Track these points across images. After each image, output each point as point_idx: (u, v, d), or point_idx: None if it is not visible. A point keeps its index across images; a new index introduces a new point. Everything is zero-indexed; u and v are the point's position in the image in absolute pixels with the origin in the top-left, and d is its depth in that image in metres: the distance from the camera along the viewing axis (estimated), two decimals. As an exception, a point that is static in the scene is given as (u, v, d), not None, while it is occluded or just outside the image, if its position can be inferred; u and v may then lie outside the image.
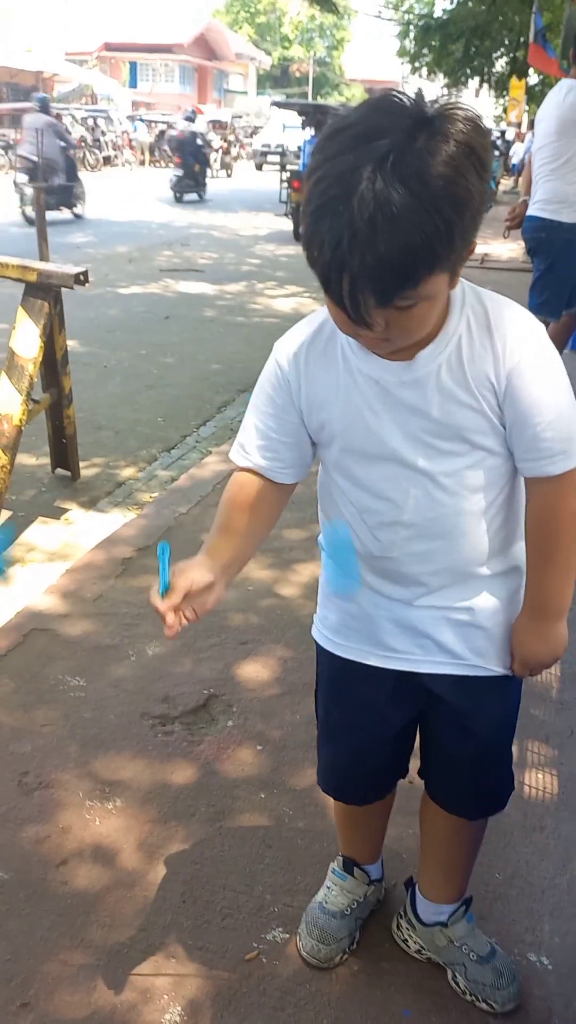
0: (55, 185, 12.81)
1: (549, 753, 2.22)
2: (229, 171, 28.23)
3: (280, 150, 28.00)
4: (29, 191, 12.03)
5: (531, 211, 4.42)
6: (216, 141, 26.33)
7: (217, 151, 26.01)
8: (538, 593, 1.33)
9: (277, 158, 26.06)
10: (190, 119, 19.14)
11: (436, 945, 1.61)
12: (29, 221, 12.04)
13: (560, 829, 1.99)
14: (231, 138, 31.13)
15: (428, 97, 1.01)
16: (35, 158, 11.67)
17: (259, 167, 31.00)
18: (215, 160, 25.48)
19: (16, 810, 1.98)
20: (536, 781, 2.11)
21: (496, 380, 1.17)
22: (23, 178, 12.67)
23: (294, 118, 22.13)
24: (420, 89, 1.07)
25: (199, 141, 18.29)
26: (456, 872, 1.62)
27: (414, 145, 0.95)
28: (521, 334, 1.18)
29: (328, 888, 1.71)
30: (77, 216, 14.09)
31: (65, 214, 13.84)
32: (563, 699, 2.43)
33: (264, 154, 30.88)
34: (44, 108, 13.26)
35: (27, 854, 1.86)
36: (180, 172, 18.21)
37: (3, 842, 1.89)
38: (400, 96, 1.01)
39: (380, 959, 1.66)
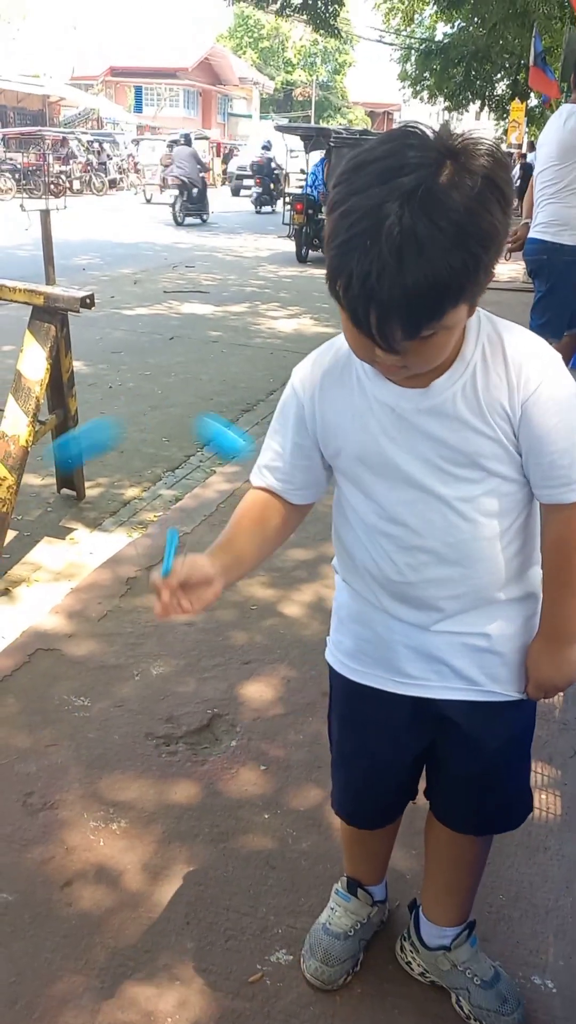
0: (194, 196, 18.17)
1: (552, 773, 2.22)
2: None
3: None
4: (177, 204, 17.99)
5: (533, 234, 4.47)
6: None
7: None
8: (554, 618, 1.34)
9: (254, 182, 26.00)
10: (187, 142, 19.73)
11: (440, 969, 1.61)
12: (178, 222, 17.95)
13: (564, 850, 1.98)
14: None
15: (449, 129, 1.02)
16: (184, 179, 17.67)
17: (235, 192, 29.03)
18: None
19: (21, 831, 1.98)
20: (539, 801, 2.11)
21: (511, 409, 1.19)
22: (174, 192, 18.18)
23: (274, 138, 23.16)
24: (447, 122, 1.09)
25: (273, 165, 22.20)
26: (460, 894, 1.62)
27: (439, 180, 0.96)
28: (536, 364, 1.19)
29: (332, 909, 1.71)
30: (204, 221, 18.88)
31: (195, 220, 18.66)
32: (566, 719, 2.44)
33: (240, 178, 28.87)
34: (188, 142, 19.18)
35: (32, 875, 1.86)
36: (260, 190, 22.26)
37: (8, 863, 1.89)
38: (423, 129, 1.02)
39: (384, 981, 1.66)
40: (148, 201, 23.58)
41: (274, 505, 1.36)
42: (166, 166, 19.77)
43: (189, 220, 18.43)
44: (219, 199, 26.42)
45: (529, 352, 1.20)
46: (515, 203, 1.05)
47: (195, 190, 18.18)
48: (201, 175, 18.27)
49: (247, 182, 27.42)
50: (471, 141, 1.00)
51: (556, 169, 4.26)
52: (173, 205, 18.16)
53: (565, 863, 1.95)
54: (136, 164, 29.05)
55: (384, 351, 1.06)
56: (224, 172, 34.18)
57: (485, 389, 1.19)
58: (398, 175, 0.97)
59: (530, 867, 1.94)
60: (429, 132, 1.01)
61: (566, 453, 1.20)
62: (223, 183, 33.49)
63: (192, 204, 18.22)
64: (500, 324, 1.22)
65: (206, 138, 28.28)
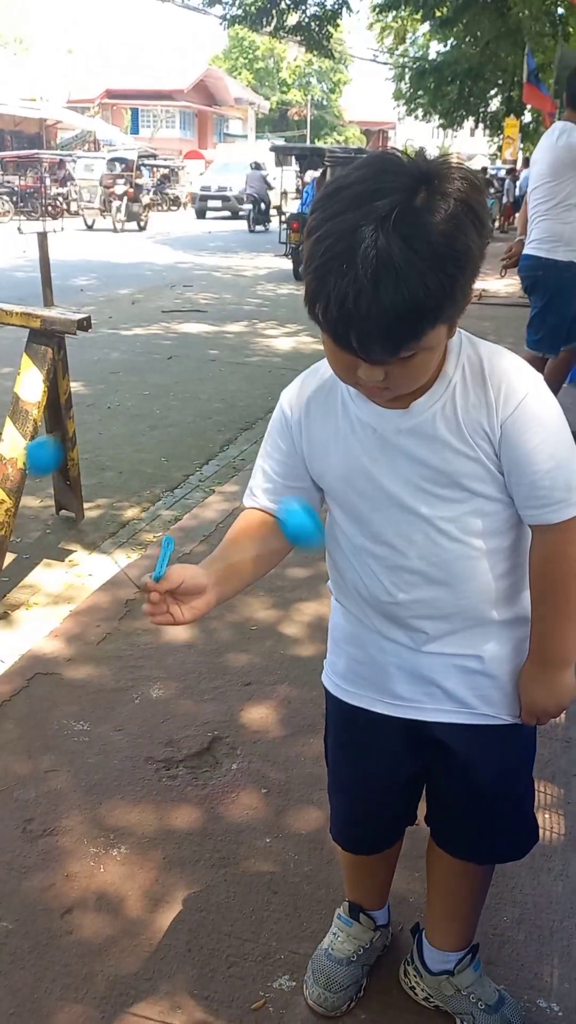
0: (262, 210, 22.96)
1: (555, 792, 2.21)
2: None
3: (224, 194, 26.67)
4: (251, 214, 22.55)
5: (528, 250, 4.51)
6: (120, 187, 22.21)
7: (122, 199, 21.95)
8: (543, 642, 1.33)
9: (220, 203, 26.09)
10: (257, 167, 22.80)
11: (443, 994, 1.59)
12: (250, 230, 22.55)
13: (568, 870, 1.97)
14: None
15: (424, 155, 1.04)
16: (256, 195, 22.81)
17: (200, 214, 27.22)
18: (118, 209, 21.81)
19: (21, 858, 1.97)
20: (542, 821, 2.09)
21: (491, 430, 1.19)
22: (248, 206, 23.14)
23: (241, 157, 24.17)
24: (423, 148, 1.11)
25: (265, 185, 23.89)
26: (462, 919, 1.60)
27: (414, 204, 0.98)
28: (516, 384, 1.19)
29: (334, 934, 1.69)
30: (266, 228, 22.74)
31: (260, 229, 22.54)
32: (569, 736, 2.42)
33: (205, 198, 27.28)
34: (258, 167, 23.52)
35: (32, 903, 1.85)
36: (253, 209, 23.47)
37: (8, 891, 1.88)
38: (398, 154, 1.04)
39: (388, 1007, 1.64)
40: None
41: (267, 525, 1.36)
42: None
43: (258, 228, 22.95)
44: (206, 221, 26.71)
45: (509, 373, 1.20)
46: (491, 225, 1.06)
47: (263, 204, 23.19)
48: (268, 192, 23.15)
49: (213, 203, 27.15)
50: (445, 166, 1.02)
51: (550, 186, 4.31)
52: (248, 216, 23.19)
53: (570, 884, 1.93)
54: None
55: (370, 364, 1.07)
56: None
57: (465, 410, 1.19)
58: (372, 199, 0.98)
59: (534, 888, 1.92)
60: (403, 158, 1.03)
61: (547, 474, 1.20)
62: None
63: (260, 215, 23.14)
64: (480, 345, 1.22)
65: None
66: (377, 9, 17.10)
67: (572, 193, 4.36)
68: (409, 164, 1.02)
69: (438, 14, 15.25)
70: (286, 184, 18.87)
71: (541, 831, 2.05)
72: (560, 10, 13.57)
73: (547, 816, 2.12)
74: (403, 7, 15.54)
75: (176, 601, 1.20)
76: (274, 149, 19.27)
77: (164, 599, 1.19)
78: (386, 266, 0.96)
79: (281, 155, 18.64)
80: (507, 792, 1.44)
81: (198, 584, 1.22)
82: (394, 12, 16.30)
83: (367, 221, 0.97)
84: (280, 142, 36.86)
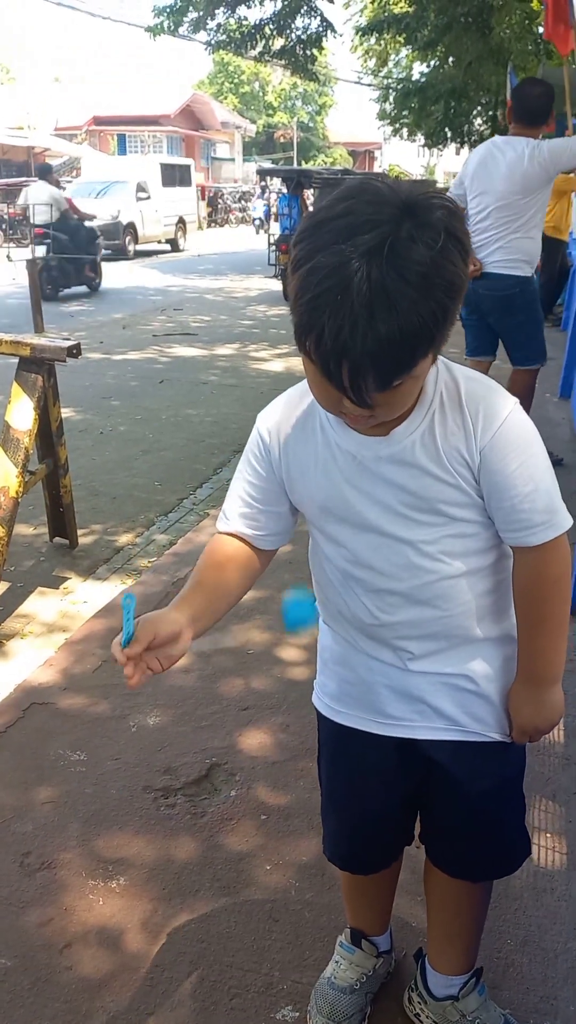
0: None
1: (555, 811, 2.19)
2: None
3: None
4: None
5: (496, 269, 4.35)
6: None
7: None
8: (530, 660, 1.33)
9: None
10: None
11: (448, 1020, 1.57)
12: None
13: (571, 890, 1.95)
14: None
15: (403, 184, 1.04)
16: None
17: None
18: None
19: (18, 892, 1.95)
20: (544, 840, 2.08)
21: (469, 456, 1.20)
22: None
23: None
24: (398, 176, 1.12)
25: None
26: (464, 941, 1.59)
27: (401, 234, 0.98)
28: (493, 409, 1.19)
29: (336, 962, 1.67)
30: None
31: None
32: (568, 754, 2.41)
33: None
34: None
35: (30, 938, 1.83)
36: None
37: (6, 927, 1.86)
38: (379, 183, 1.04)
39: (393, 1036, 1.62)
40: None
41: (240, 551, 1.36)
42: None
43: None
44: (216, 240, 26.79)
45: (486, 398, 1.20)
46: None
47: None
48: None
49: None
50: (425, 195, 1.02)
51: (520, 203, 4.19)
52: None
53: (574, 904, 1.92)
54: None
55: (356, 404, 1.06)
56: (209, 215, 34.60)
57: (443, 436, 1.19)
58: (359, 232, 0.98)
59: (537, 910, 1.90)
60: (383, 187, 1.03)
61: (527, 498, 1.20)
62: (208, 226, 33.88)
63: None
64: (456, 370, 1.23)
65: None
66: (360, 33, 17.27)
67: (540, 208, 4.34)
68: (390, 194, 1.01)
69: (421, 37, 15.41)
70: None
71: (543, 851, 2.05)
72: (541, 28, 13.75)
73: (548, 836, 2.10)
74: (386, 31, 15.71)
75: (151, 654, 1.21)
76: (261, 171, 19.43)
77: (140, 658, 1.19)
78: (380, 298, 0.96)
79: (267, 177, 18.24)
80: (499, 807, 1.44)
81: (171, 632, 1.22)
82: (376, 35, 16.46)
83: (357, 253, 0.97)
84: (267, 164, 37.19)
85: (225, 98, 56.38)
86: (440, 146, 21.85)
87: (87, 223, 13.89)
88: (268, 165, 34.67)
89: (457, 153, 24.82)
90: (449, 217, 1.01)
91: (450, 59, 16.50)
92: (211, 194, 35.92)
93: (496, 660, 1.35)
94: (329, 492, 1.27)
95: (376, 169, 56.61)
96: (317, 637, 1.48)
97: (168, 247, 22.90)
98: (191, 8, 14.05)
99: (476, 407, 1.19)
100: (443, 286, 1.00)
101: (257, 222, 22.61)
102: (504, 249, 4.32)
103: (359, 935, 1.67)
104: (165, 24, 14.04)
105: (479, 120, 19.61)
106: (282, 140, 60.11)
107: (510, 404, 1.21)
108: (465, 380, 1.21)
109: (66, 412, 3.81)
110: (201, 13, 14.25)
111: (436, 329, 1.02)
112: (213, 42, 15.29)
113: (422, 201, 1.01)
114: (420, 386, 1.14)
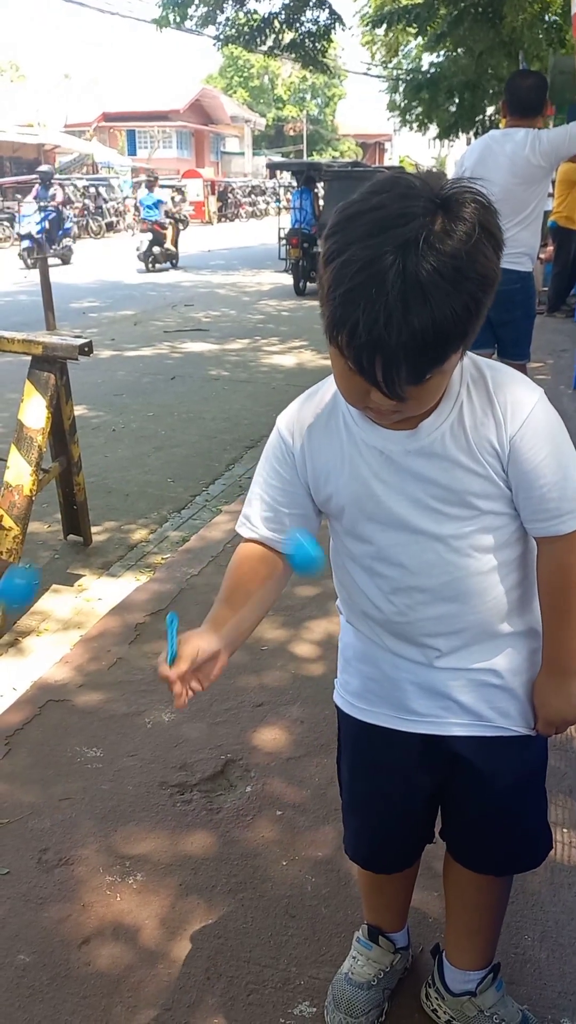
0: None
1: (573, 807, 2.19)
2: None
3: None
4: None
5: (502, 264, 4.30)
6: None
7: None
8: (556, 650, 1.34)
9: None
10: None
11: (466, 1015, 1.58)
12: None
13: (588, 885, 1.95)
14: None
15: (436, 178, 1.05)
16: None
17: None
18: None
19: (37, 889, 1.96)
20: (562, 836, 2.08)
21: (499, 446, 1.20)
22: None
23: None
24: (430, 170, 1.12)
25: None
26: (482, 936, 1.59)
27: (435, 229, 0.98)
28: (521, 399, 1.20)
29: (354, 958, 1.68)
30: None
31: None
32: (585, 749, 2.40)
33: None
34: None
35: (49, 935, 1.84)
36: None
37: (24, 923, 1.87)
38: (408, 178, 1.04)
39: (410, 1031, 1.63)
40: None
41: (267, 558, 1.35)
42: None
43: None
44: (218, 237, 26.79)
45: (513, 388, 1.21)
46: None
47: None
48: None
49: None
50: (457, 189, 1.02)
51: (523, 195, 4.11)
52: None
53: (590, 899, 1.91)
54: (132, 206, 28.81)
55: (386, 396, 1.06)
56: (219, 210, 34.57)
57: (473, 428, 1.20)
58: (394, 225, 0.98)
59: (555, 905, 1.90)
60: (416, 181, 1.03)
61: (555, 486, 1.21)
62: (219, 220, 33.84)
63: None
64: (481, 362, 1.23)
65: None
66: (369, 24, 17.13)
67: (541, 201, 4.28)
68: (423, 188, 1.02)
69: (431, 29, 15.27)
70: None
71: (561, 847, 2.04)
72: (553, 17, 13.61)
73: (565, 831, 2.10)
74: (397, 22, 15.59)
75: (192, 674, 1.23)
76: (270, 166, 19.39)
77: (185, 677, 1.21)
78: (414, 290, 0.97)
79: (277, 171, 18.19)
80: (523, 801, 1.44)
81: (211, 652, 1.24)
82: (385, 26, 16.33)
83: (392, 248, 0.97)
84: (277, 158, 37.10)
85: (234, 92, 56.26)
86: (451, 138, 21.71)
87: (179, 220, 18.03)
88: (278, 159, 34.51)
89: (467, 143, 24.66)
90: (482, 211, 1.02)
91: (459, 50, 16.38)
92: (221, 188, 35.85)
93: (522, 653, 1.35)
94: (357, 490, 1.27)
95: (386, 161, 56.40)
96: (330, 631, 1.48)
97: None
98: (197, 1, 13.95)
99: (505, 397, 1.19)
100: (476, 279, 1.01)
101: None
102: (507, 243, 4.24)
103: (376, 931, 1.67)
104: (171, 16, 13.96)
105: (491, 110, 19.46)
106: (292, 133, 59.96)
107: (536, 394, 1.22)
108: (491, 371, 1.22)
109: (78, 409, 3.82)
110: (210, 8, 14.17)
111: (468, 323, 1.02)
112: (222, 36, 15.21)
113: (455, 195, 1.01)
114: (448, 381, 1.14)
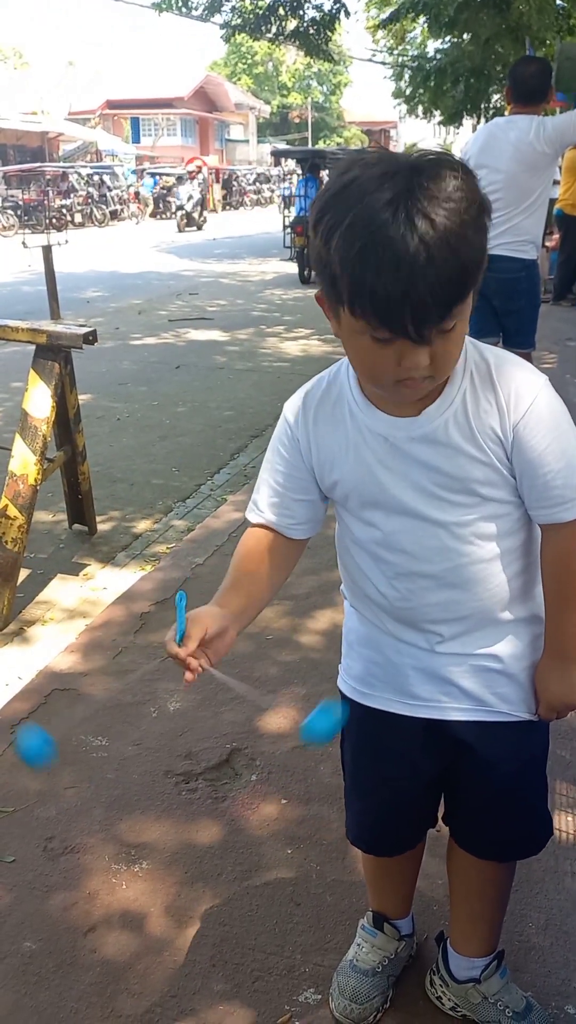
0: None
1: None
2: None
3: None
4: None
5: (504, 251, 4.20)
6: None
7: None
8: (558, 636, 1.34)
9: None
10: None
11: (470, 1002, 1.58)
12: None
13: (593, 874, 1.95)
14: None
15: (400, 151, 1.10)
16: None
17: None
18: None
19: (43, 877, 1.97)
20: (566, 824, 2.08)
21: (503, 433, 1.20)
22: None
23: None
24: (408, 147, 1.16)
25: None
26: (486, 923, 1.59)
27: (422, 180, 1.01)
28: (525, 387, 1.20)
29: (358, 945, 1.68)
30: None
31: None
32: (589, 738, 2.40)
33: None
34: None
35: (55, 922, 1.85)
36: None
37: (31, 911, 1.88)
38: (373, 151, 1.09)
39: (414, 1018, 1.63)
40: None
41: (274, 542, 1.36)
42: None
43: None
44: (222, 224, 26.70)
45: (517, 375, 1.21)
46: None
47: None
48: None
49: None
50: (422, 151, 1.07)
51: (528, 182, 4.10)
52: None
53: (594, 887, 1.92)
54: (136, 194, 29.00)
55: (414, 342, 1.06)
56: (224, 198, 34.47)
57: (476, 415, 1.20)
58: (383, 182, 1.01)
59: (559, 893, 1.90)
60: (381, 151, 1.09)
61: (560, 473, 1.21)
62: (223, 208, 33.76)
63: None
64: (484, 348, 1.23)
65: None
66: (379, 26, 17.05)
67: (545, 188, 4.25)
68: (391, 155, 1.07)
69: (441, 12, 15.17)
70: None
71: (563, 834, 2.04)
72: (561, 2, 13.51)
73: (570, 820, 2.10)
74: (406, 14, 15.48)
75: (200, 649, 1.23)
76: (275, 153, 19.32)
77: (194, 654, 1.21)
78: (427, 232, 0.99)
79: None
80: (525, 787, 1.45)
81: (219, 628, 1.25)
82: (395, 22, 16.25)
83: (390, 199, 1.00)
84: (282, 146, 36.93)
85: (239, 79, 55.99)
86: (457, 124, 21.59)
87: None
88: (283, 146, 34.36)
89: (473, 130, 24.53)
90: (454, 162, 1.06)
91: (465, 36, 16.26)
92: (225, 176, 35.73)
93: (524, 639, 1.35)
94: (361, 476, 1.27)
95: (392, 148, 56.09)
96: (336, 620, 1.48)
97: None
98: None
99: (508, 384, 1.19)
100: (474, 220, 1.04)
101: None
102: (512, 231, 4.20)
103: (381, 918, 1.67)
104: (172, 1, 13.86)
105: (497, 96, 19.33)
106: (297, 121, 59.67)
107: (540, 381, 1.22)
108: (495, 358, 1.22)
109: (83, 398, 3.82)
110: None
111: (480, 257, 1.05)
112: (229, 25, 15.11)
113: (421, 154, 1.06)
114: (464, 342, 1.15)
